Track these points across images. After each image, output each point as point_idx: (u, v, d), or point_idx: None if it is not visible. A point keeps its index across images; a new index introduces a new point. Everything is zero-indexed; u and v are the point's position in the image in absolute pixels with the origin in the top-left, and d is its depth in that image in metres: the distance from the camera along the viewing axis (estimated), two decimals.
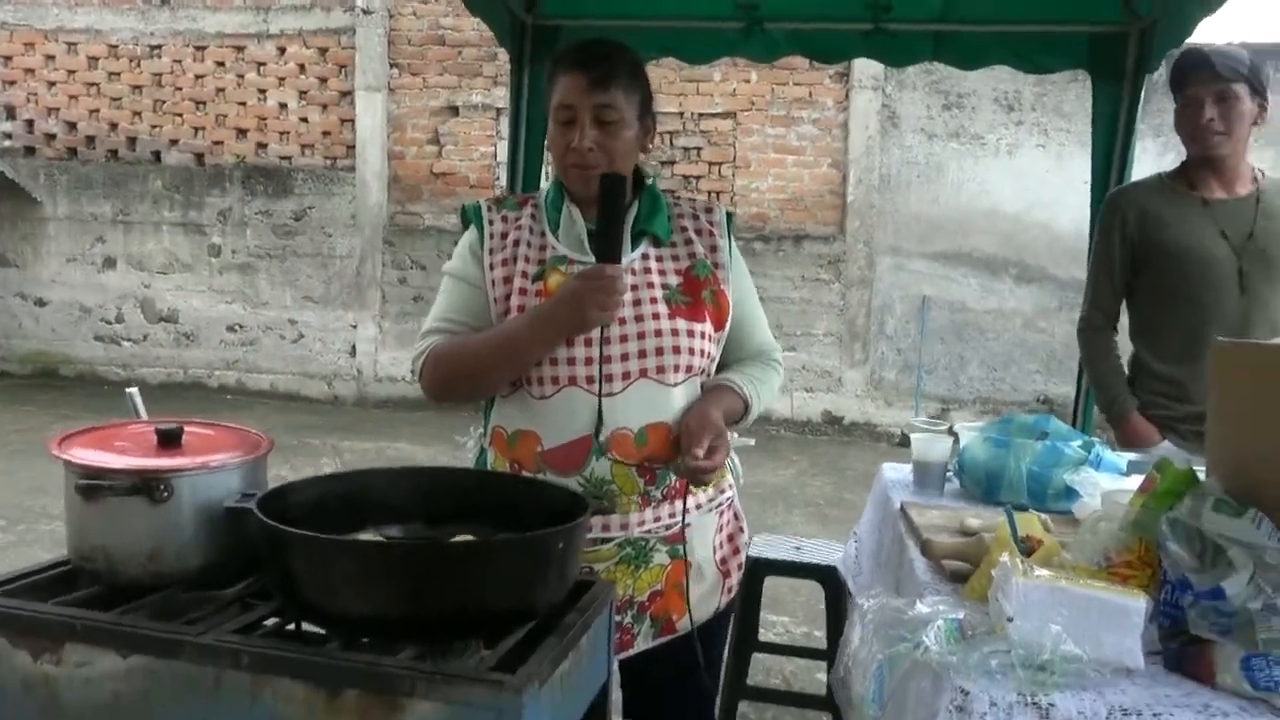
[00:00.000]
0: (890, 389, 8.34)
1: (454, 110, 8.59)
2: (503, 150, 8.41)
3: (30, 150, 9.19)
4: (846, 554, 2.33)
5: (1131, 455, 1.94)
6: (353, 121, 8.68)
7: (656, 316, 1.49)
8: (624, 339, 1.48)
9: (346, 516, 1.27)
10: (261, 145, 8.89)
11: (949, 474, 2.01)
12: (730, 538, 1.65)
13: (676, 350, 1.49)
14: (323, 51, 8.74)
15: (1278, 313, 2.29)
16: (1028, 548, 1.25)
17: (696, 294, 1.53)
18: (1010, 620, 1.02)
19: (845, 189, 8.22)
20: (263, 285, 8.95)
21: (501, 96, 8.34)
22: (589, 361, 1.47)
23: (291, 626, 1.20)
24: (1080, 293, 2.59)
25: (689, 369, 1.51)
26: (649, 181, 1.63)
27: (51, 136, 9.17)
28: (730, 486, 1.67)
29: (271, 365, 8.98)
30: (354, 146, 8.70)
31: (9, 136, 9.20)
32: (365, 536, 1.26)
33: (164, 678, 1.05)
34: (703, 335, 1.52)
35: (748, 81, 8.21)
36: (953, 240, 8.21)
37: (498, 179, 8.51)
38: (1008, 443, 1.85)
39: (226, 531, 1.22)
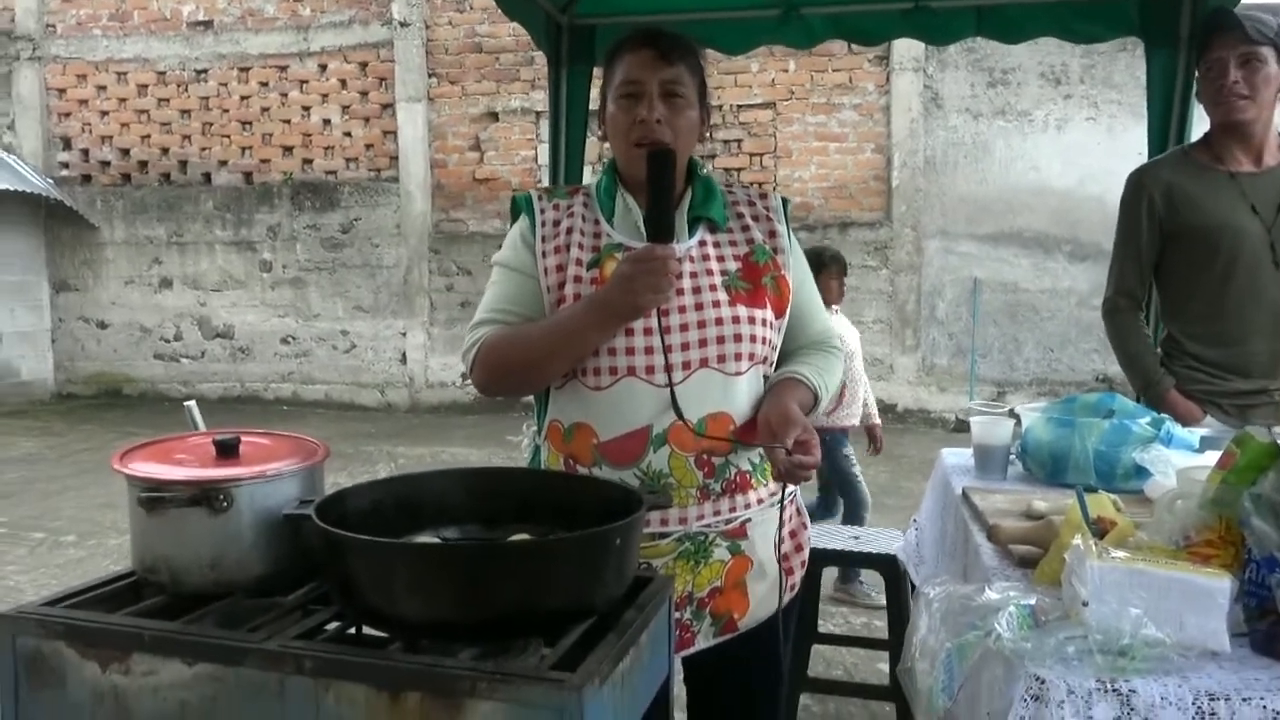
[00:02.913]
0: (943, 374, 8.21)
1: (493, 116, 8.66)
2: (543, 153, 8.44)
3: (87, 178, 9.48)
4: (907, 542, 2.28)
5: (1204, 431, 1.86)
6: (395, 133, 8.80)
7: (717, 304, 1.46)
8: (684, 328, 1.45)
9: (403, 520, 1.27)
10: (307, 161, 9.05)
11: (1011, 457, 1.96)
12: (793, 534, 1.60)
13: (738, 339, 1.45)
14: (363, 66, 8.86)
15: None
16: (1100, 529, 1.20)
17: (757, 280, 1.50)
18: (1085, 605, 0.98)
19: (890, 173, 8.11)
20: (314, 298, 9.11)
21: (540, 100, 8.38)
22: (649, 351, 1.44)
23: (352, 630, 1.20)
24: None
25: (751, 357, 1.48)
26: (703, 172, 1.60)
27: (106, 164, 9.44)
28: None
29: (325, 376, 9.14)
30: (397, 157, 8.82)
31: (66, 166, 9.49)
32: (423, 539, 1.26)
33: (229, 684, 1.06)
34: (764, 323, 1.48)
35: (786, 70, 8.14)
36: (1002, 220, 8.05)
37: (539, 181, 8.55)
38: (1072, 422, 1.79)
39: (285, 539, 1.23)
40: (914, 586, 2.37)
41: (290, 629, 1.11)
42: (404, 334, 8.96)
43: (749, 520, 1.51)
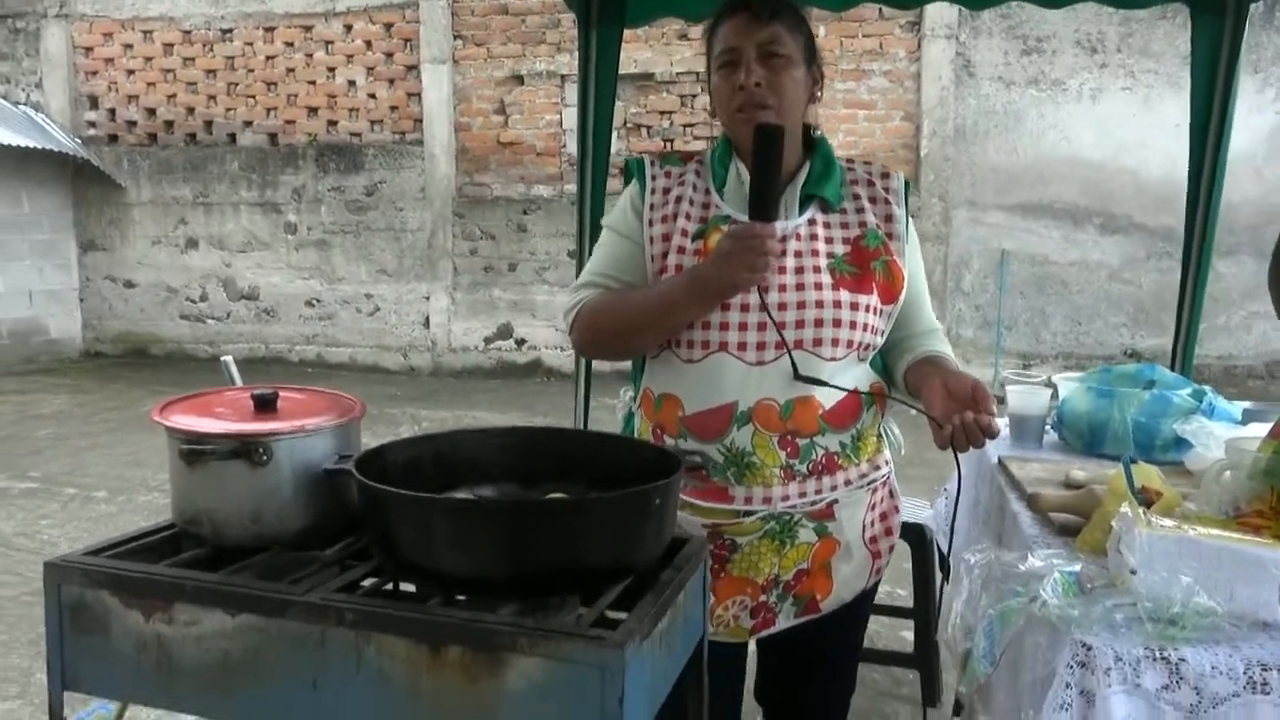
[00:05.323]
0: (968, 346, 8.14)
1: (519, 79, 8.59)
2: (568, 117, 8.38)
3: (113, 138, 9.50)
4: (936, 511, 2.27)
5: (1247, 404, 1.83)
6: (419, 95, 8.75)
7: (819, 286, 1.42)
8: (782, 307, 1.41)
9: (440, 477, 1.27)
10: (332, 123, 9.02)
11: (1047, 427, 1.94)
12: (884, 516, 1.57)
13: (837, 323, 1.41)
14: (388, 27, 8.80)
15: None
16: (1145, 499, 1.18)
17: (865, 264, 1.45)
18: (1134, 573, 0.97)
19: (919, 142, 7.99)
20: (338, 260, 9.12)
21: (565, 63, 8.30)
22: (743, 327, 1.41)
23: (390, 585, 1.21)
24: (1170, 241, 2.41)
25: (850, 344, 1.43)
26: (817, 135, 1.54)
27: (132, 124, 9.45)
28: (886, 463, 1.58)
29: (349, 338, 9.18)
30: (421, 120, 8.77)
31: (93, 125, 9.51)
32: (459, 496, 1.26)
33: (271, 635, 1.07)
34: (868, 309, 1.44)
35: (815, 36, 8.00)
36: (1032, 191, 7.93)
37: (564, 146, 8.49)
38: (1112, 393, 1.76)
39: (324, 494, 1.23)
40: (942, 556, 2.37)
41: (331, 582, 1.11)
42: (427, 298, 8.97)
43: (836, 501, 1.48)
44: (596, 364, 2.82)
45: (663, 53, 8.15)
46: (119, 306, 9.69)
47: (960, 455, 1.30)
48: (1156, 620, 0.92)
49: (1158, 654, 0.91)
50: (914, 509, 2.69)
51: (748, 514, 1.46)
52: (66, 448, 5.98)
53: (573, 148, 8.30)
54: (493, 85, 8.64)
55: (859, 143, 8.09)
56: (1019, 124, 7.91)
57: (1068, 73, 7.77)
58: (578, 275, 3.10)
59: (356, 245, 9.08)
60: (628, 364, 1.63)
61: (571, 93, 8.24)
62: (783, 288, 1.42)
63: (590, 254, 1.54)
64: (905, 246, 1.51)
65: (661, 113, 8.28)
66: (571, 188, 8.37)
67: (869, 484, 1.52)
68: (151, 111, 9.40)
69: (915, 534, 2.53)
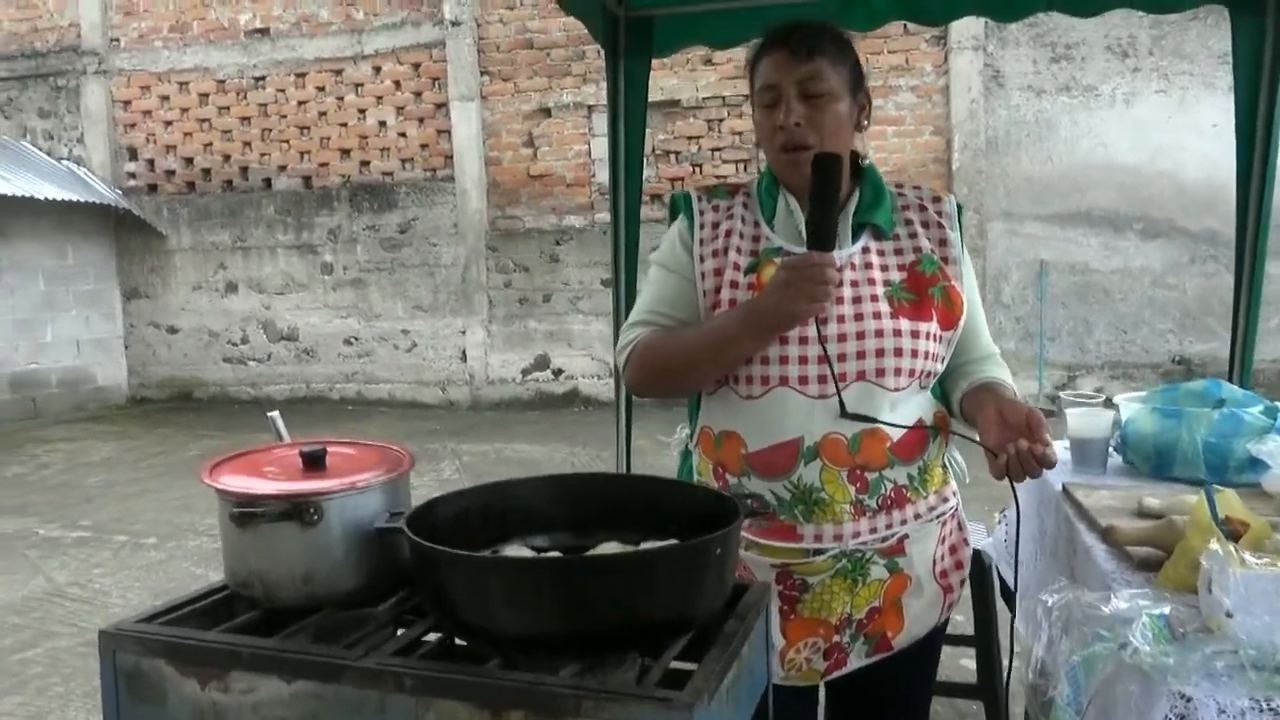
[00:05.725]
0: (1011, 359, 7.96)
1: (546, 112, 8.65)
2: (596, 147, 8.42)
3: (153, 188, 9.71)
4: (996, 539, 2.21)
5: None
6: (449, 132, 8.85)
7: (878, 315, 1.38)
8: (842, 339, 1.38)
9: (491, 529, 1.25)
10: (364, 163, 9.15)
11: (1111, 449, 1.87)
12: (953, 549, 1.54)
13: (899, 352, 1.38)
14: (416, 67, 8.92)
15: None
16: (1231, 531, 1.12)
17: (922, 291, 1.42)
18: (1230, 616, 0.91)
19: (950, 155, 7.92)
20: (374, 298, 9.22)
21: (591, 94, 8.36)
22: (804, 361, 1.38)
23: (447, 641, 1.18)
24: (1214, 244, 2.35)
25: (912, 373, 1.40)
26: (866, 164, 1.52)
27: (171, 173, 9.65)
28: (954, 494, 1.55)
29: (388, 375, 9.25)
30: (452, 156, 8.86)
31: (133, 176, 9.73)
32: (512, 549, 1.24)
33: (329, 702, 1.04)
34: (928, 336, 1.40)
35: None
36: (1069, 199, 7.82)
37: (593, 176, 8.53)
38: (1179, 412, 1.70)
39: (376, 551, 1.21)
40: (1004, 584, 2.30)
41: (387, 644, 1.09)
42: (463, 332, 9.02)
43: (906, 536, 1.44)
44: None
45: (688, 79, 8.17)
46: (163, 352, 9.85)
47: (1018, 484, 1.27)
48: (1260, 668, 0.86)
49: (1265, 705, 0.86)
50: (973, 534, 2.62)
51: (818, 553, 1.42)
52: (115, 495, 6.06)
53: (602, 177, 8.33)
54: (521, 119, 8.72)
55: (889, 159, 8.04)
56: (1052, 132, 7.82)
57: (1099, 78, 7.67)
58: (613, 303, 3.11)
59: (392, 282, 9.17)
60: None
61: (598, 122, 8.29)
62: (841, 319, 1.38)
63: (626, 280, 1.50)
64: (962, 270, 1.47)
65: (689, 138, 8.29)
66: (603, 216, 8.40)
67: (938, 517, 1.48)
68: (189, 160, 9.60)
69: (975, 561, 2.45)
